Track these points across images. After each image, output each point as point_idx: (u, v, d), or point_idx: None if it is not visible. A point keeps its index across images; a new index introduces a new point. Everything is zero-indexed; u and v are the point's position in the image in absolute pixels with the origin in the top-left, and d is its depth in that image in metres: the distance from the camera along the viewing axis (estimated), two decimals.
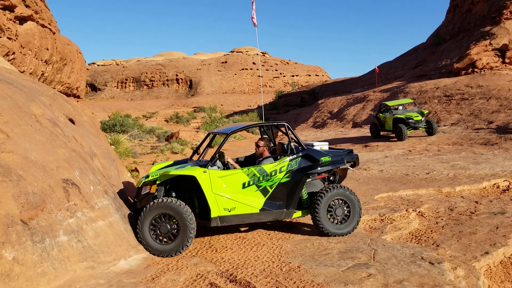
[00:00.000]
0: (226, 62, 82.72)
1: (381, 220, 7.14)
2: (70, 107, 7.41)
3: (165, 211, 5.54)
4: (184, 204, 5.63)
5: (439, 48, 36.24)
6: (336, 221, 6.13)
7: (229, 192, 5.97)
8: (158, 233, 5.54)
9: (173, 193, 6.15)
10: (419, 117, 18.37)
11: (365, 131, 24.15)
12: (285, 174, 6.17)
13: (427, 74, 31.08)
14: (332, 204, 6.11)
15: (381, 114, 19.92)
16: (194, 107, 61.29)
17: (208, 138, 7.45)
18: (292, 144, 6.44)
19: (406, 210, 7.53)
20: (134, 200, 6.28)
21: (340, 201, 6.15)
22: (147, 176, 6.13)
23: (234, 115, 45.34)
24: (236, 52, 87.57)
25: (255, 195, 6.10)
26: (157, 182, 5.91)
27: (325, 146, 6.78)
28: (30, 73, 12.27)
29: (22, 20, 11.24)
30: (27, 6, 11.58)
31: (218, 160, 6.29)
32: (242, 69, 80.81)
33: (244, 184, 6.06)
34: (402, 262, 4.96)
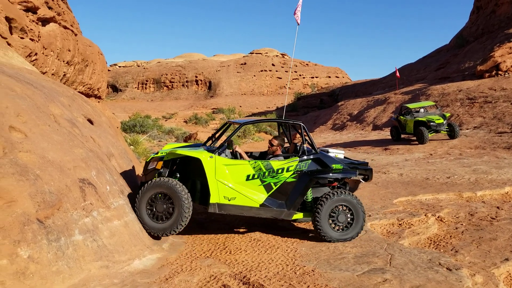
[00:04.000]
0: (245, 63, 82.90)
1: (399, 224, 7.01)
2: (89, 107, 7.50)
3: (162, 190, 5.60)
4: (181, 184, 5.66)
5: (462, 50, 35.61)
6: (338, 228, 5.99)
7: (232, 182, 5.94)
8: (155, 211, 5.62)
9: (177, 174, 6.18)
10: (441, 120, 18.03)
11: (386, 133, 23.85)
12: (292, 174, 6.09)
13: (450, 77, 30.55)
14: (335, 210, 5.98)
15: (402, 117, 19.65)
16: (213, 109, 61.61)
17: (226, 128, 7.35)
18: (305, 145, 6.36)
19: (425, 215, 7.38)
20: (142, 174, 6.36)
21: (344, 208, 6.00)
22: (157, 153, 6.21)
23: (252, 117, 45.34)
24: (255, 53, 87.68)
25: (258, 189, 6.05)
26: (164, 159, 5.98)
27: (340, 155, 6.60)
28: (52, 74, 12.50)
29: (44, 21, 11.47)
30: (49, 8, 11.80)
31: (227, 149, 6.26)
32: (261, 71, 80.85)
33: (248, 176, 6.01)
34: (419, 268, 4.86)
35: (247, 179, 6.01)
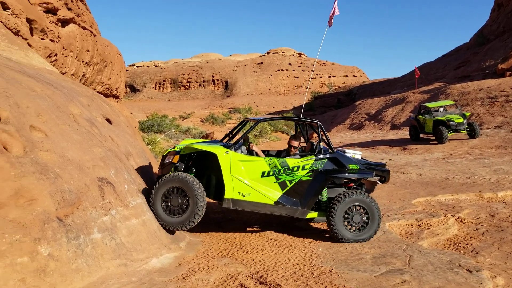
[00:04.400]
0: (261, 63, 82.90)
1: (418, 225, 6.92)
2: (107, 107, 7.58)
3: (177, 185, 5.63)
4: (195, 179, 5.70)
5: (482, 48, 34.97)
6: (353, 228, 5.93)
7: (247, 178, 5.95)
8: (169, 205, 5.66)
9: (193, 169, 6.21)
10: (461, 120, 17.73)
11: (404, 133, 23.58)
12: (308, 172, 6.05)
13: (470, 75, 30.04)
14: (350, 210, 5.92)
15: (420, 116, 19.39)
16: (229, 108, 61.77)
17: (243, 125, 7.34)
18: (321, 144, 6.32)
19: (445, 216, 7.26)
20: (158, 168, 6.44)
21: (358, 208, 5.94)
22: (174, 147, 6.27)
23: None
24: (272, 53, 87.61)
25: (273, 186, 6.04)
26: (180, 153, 6.03)
27: (357, 155, 6.52)
28: (72, 74, 12.69)
29: (64, 22, 11.65)
30: (69, 9, 11.97)
31: (243, 145, 6.27)
32: (278, 70, 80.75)
33: (263, 173, 6.00)
34: (438, 269, 4.78)
35: (262, 175, 6.01)
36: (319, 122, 6.43)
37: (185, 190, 5.63)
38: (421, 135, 19.92)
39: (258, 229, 6.82)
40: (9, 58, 6.66)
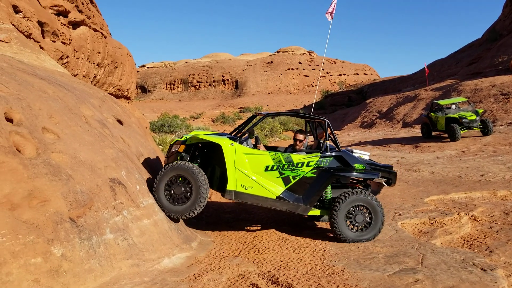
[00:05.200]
0: (271, 62, 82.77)
1: (431, 223, 6.85)
2: (118, 108, 7.63)
3: (180, 173, 5.68)
4: (198, 167, 5.74)
5: (495, 44, 34.49)
6: (356, 228, 5.89)
7: (250, 171, 5.97)
8: (173, 194, 5.70)
9: (198, 159, 6.27)
10: (474, 117, 17.52)
11: (416, 131, 23.38)
12: (312, 169, 6.03)
13: (482, 72, 29.66)
14: (353, 209, 5.88)
15: (432, 114, 19.19)
16: (240, 108, 61.79)
17: (252, 119, 7.34)
18: (328, 142, 6.29)
19: (458, 214, 7.18)
20: (165, 156, 6.55)
21: (361, 208, 5.89)
22: (182, 137, 6.32)
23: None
24: (282, 52, 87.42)
25: (276, 181, 6.03)
26: (186, 142, 6.09)
27: (365, 156, 6.47)
28: (83, 76, 12.80)
29: (75, 24, 11.75)
30: (80, 11, 12.08)
31: (249, 139, 6.29)
32: (288, 69, 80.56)
33: (267, 167, 6.00)
34: (452, 268, 4.72)
35: (266, 169, 6.01)
36: (326, 120, 6.39)
37: (189, 178, 5.68)
38: (433, 133, 19.72)
39: (270, 228, 6.81)
40: (21, 61, 6.74)
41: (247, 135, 6.21)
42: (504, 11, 39.26)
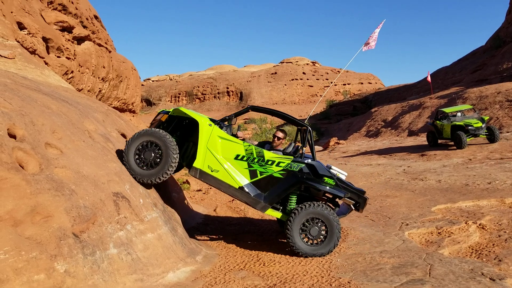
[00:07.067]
0: (275, 73, 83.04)
1: (438, 233, 6.76)
2: (122, 122, 7.65)
3: (151, 139, 5.74)
4: (170, 135, 5.81)
5: (499, 51, 34.43)
6: (310, 241, 5.80)
7: (220, 155, 6.00)
8: (142, 158, 5.74)
9: (178, 132, 6.46)
10: (479, 124, 17.41)
11: (422, 139, 23.26)
12: (281, 170, 6.00)
13: (487, 79, 29.58)
14: (307, 222, 5.81)
15: (438, 122, 19.11)
16: (244, 119, 61.82)
17: (245, 112, 7.27)
18: (304, 149, 6.24)
19: (466, 223, 7.09)
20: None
21: (317, 221, 5.81)
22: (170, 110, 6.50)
23: (284, 126, 45.24)
24: (286, 62, 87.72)
25: (243, 172, 6.05)
26: (169, 113, 6.25)
27: (342, 175, 6.36)
28: (88, 91, 12.88)
29: (80, 40, 11.85)
30: (84, 26, 12.18)
31: (229, 125, 6.31)
32: (292, 80, 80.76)
33: (237, 156, 6.03)
34: (460, 278, 4.64)
35: (236, 158, 6.03)
36: (309, 127, 6.33)
37: (159, 144, 5.73)
38: (439, 141, 19.61)
39: (275, 240, 6.76)
40: (25, 76, 6.78)
41: (229, 124, 6.27)
42: (507, 18, 39.25)
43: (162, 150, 5.72)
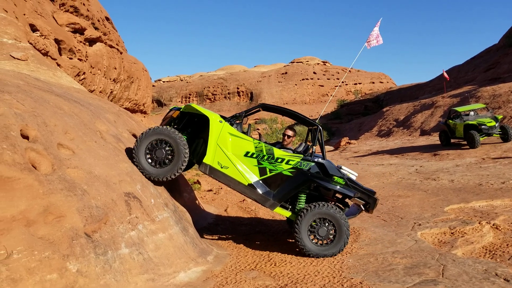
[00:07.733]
0: (286, 73, 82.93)
1: (451, 233, 6.68)
2: (133, 123, 7.69)
3: (161, 137, 5.78)
4: (179, 133, 5.85)
5: None
6: (318, 241, 5.77)
7: (230, 152, 6.01)
8: (153, 157, 5.80)
9: (189, 129, 6.50)
10: (493, 123, 17.20)
11: (434, 139, 23.05)
12: (291, 168, 5.98)
13: (501, 77, 29.20)
14: (315, 223, 5.77)
15: (451, 121, 18.92)
16: (255, 119, 61.83)
17: (256, 111, 7.26)
18: (314, 147, 6.21)
19: (479, 223, 7.00)
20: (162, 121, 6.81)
21: (325, 221, 5.77)
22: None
23: (295, 125, 45.18)
24: (296, 62, 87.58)
25: (252, 169, 6.04)
26: (181, 110, 6.29)
27: (352, 176, 6.30)
28: (100, 92, 12.98)
29: (91, 41, 11.95)
30: (96, 28, 12.28)
31: (240, 123, 6.32)
32: (303, 79, 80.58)
33: (247, 153, 6.02)
34: (474, 279, 4.58)
35: (246, 155, 6.03)
36: (320, 126, 6.31)
37: (170, 142, 5.78)
38: (452, 140, 19.41)
39: (286, 240, 6.74)
40: (37, 78, 6.85)
41: (240, 121, 6.27)
42: None
43: (173, 147, 5.77)
